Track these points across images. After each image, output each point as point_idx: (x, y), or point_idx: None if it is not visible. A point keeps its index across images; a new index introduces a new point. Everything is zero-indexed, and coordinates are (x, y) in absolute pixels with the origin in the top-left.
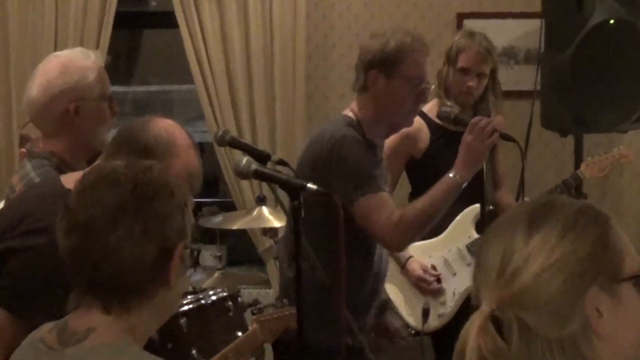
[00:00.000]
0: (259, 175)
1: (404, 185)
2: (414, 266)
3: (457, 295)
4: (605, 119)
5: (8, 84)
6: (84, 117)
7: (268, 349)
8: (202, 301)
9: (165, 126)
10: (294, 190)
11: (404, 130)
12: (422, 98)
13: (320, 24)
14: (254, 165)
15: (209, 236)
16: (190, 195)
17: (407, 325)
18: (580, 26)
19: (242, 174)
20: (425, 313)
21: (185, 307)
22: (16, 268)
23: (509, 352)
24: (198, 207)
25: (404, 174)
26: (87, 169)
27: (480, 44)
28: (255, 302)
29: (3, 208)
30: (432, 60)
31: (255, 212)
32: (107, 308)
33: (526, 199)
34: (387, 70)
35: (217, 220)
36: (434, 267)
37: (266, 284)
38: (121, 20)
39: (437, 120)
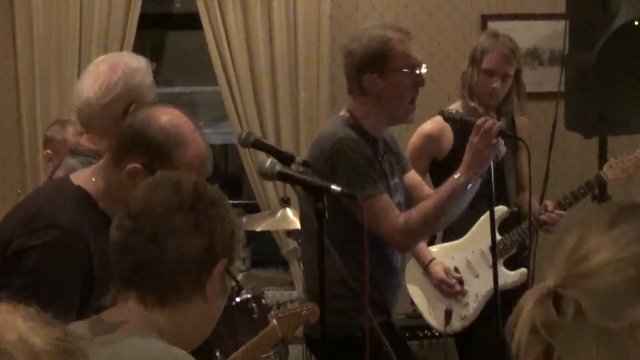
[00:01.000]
0: (283, 177)
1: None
2: (437, 269)
3: (480, 297)
4: (630, 120)
5: (33, 86)
6: None
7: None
8: (226, 302)
9: (167, 118)
10: (318, 192)
11: (428, 132)
12: (420, 83)
13: (344, 25)
14: (278, 167)
15: None
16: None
17: (430, 327)
18: (605, 27)
19: (266, 175)
20: (448, 315)
21: None
22: (31, 266)
23: (561, 327)
24: None
25: (427, 176)
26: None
27: (504, 46)
28: (279, 304)
29: (16, 207)
30: (456, 61)
31: (279, 214)
32: (142, 300)
33: (548, 200)
34: (380, 70)
35: (241, 222)
36: (456, 269)
37: (290, 285)
38: (145, 21)
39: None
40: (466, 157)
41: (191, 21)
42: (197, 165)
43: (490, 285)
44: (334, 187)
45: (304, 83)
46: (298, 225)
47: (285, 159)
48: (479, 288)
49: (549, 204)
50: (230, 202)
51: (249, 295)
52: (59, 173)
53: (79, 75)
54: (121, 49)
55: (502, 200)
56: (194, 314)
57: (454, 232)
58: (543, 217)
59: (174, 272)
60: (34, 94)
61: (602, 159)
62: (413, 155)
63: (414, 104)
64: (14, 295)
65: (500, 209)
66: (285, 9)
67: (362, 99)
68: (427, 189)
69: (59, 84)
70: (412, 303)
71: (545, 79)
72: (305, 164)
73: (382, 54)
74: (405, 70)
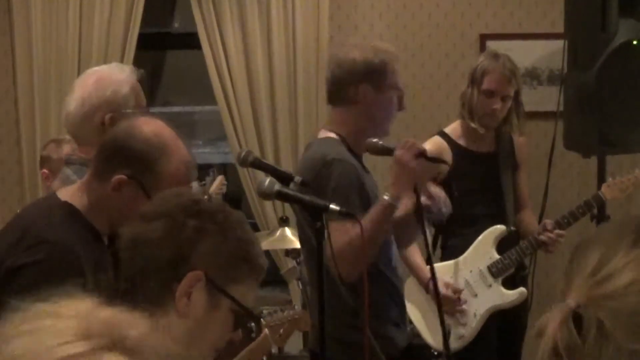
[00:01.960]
0: (282, 196)
1: None
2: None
3: (478, 316)
4: (628, 140)
5: (32, 106)
6: None
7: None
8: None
9: (149, 128)
10: (317, 212)
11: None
12: (402, 102)
13: None
14: (277, 186)
15: None
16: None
17: (429, 346)
18: (603, 47)
19: (265, 194)
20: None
21: None
22: (25, 284)
23: (583, 349)
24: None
25: None
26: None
27: (504, 67)
28: (270, 313)
29: (5, 226)
30: (455, 80)
31: (278, 233)
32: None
33: (547, 220)
34: (375, 83)
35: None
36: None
37: (289, 304)
38: (144, 41)
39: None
40: (392, 174)
41: (190, 41)
42: (182, 172)
43: (488, 304)
44: (332, 206)
45: (303, 102)
46: (297, 245)
47: (284, 178)
48: (477, 307)
49: (548, 223)
50: None
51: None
52: (56, 183)
53: None
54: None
55: (501, 219)
56: (177, 329)
57: (452, 251)
58: (542, 237)
59: (142, 277)
60: (33, 114)
61: (601, 178)
62: None
63: (390, 121)
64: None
65: (499, 229)
66: (284, 29)
67: (346, 110)
68: None
69: (58, 103)
70: (411, 322)
71: (544, 98)
72: (303, 183)
73: (381, 69)
74: (396, 88)
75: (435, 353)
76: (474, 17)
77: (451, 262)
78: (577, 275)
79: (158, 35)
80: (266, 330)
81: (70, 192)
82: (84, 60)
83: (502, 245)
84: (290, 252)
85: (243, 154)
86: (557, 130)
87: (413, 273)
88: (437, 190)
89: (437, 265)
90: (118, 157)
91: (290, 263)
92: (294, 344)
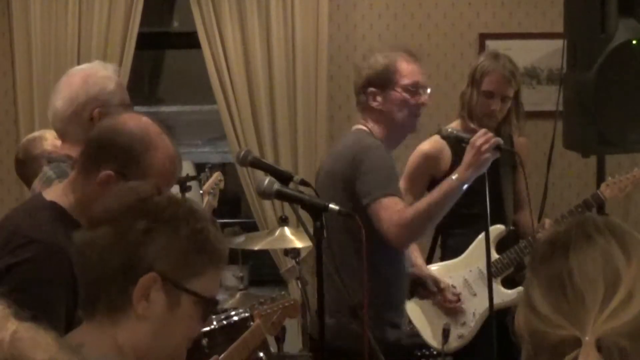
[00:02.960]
0: (281, 196)
1: None
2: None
3: (477, 315)
4: (628, 139)
5: (31, 106)
6: None
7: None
8: (224, 321)
9: (133, 123)
10: (317, 211)
11: (426, 151)
12: (420, 100)
13: (342, 45)
14: (277, 186)
15: (230, 256)
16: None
17: (428, 346)
18: (603, 46)
19: (264, 194)
20: (446, 333)
21: (207, 327)
22: (15, 284)
23: None
24: (220, 228)
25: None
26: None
27: (504, 67)
28: (260, 301)
29: None
30: (454, 80)
31: (277, 233)
32: (86, 317)
33: (546, 219)
34: (382, 85)
35: (239, 241)
36: (453, 287)
37: None
38: (144, 40)
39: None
40: (466, 157)
41: (189, 40)
42: (168, 167)
43: (487, 304)
44: (332, 205)
45: (302, 102)
46: (296, 244)
47: (284, 177)
48: (476, 307)
49: (547, 223)
50: (229, 220)
51: (247, 315)
52: (36, 182)
53: None
54: (120, 68)
55: (500, 219)
56: (141, 331)
57: (452, 251)
58: (540, 236)
59: (96, 284)
60: (32, 114)
61: (600, 178)
62: (412, 175)
63: (414, 118)
64: None
65: (498, 228)
66: (284, 28)
67: (368, 116)
68: None
69: None
70: (410, 322)
71: (543, 98)
72: (303, 182)
73: (386, 72)
74: (405, 86)
75: (435, 353)
76: (473, 16)
77: (450, 262)
78: (585, 306)
79: (157, 34)
80: (258, 321)
81: (56, 192)
82: (83, 60)
83: (501, 244)
84: (290, 252)
85: (242, 153)
86: (556, 129)
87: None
88: None
89: (437, 265)
90: (103, 152)
91: (290, 262)
92: (294, 344)
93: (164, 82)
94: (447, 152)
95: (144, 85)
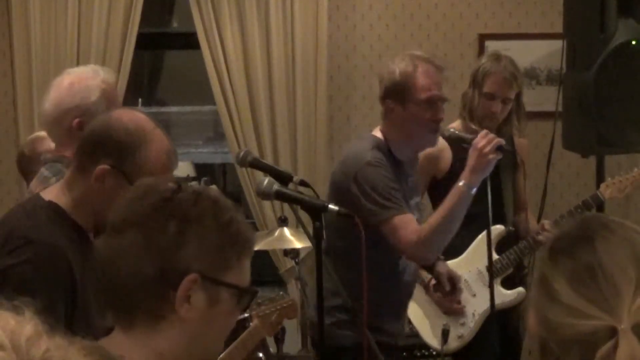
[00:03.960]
0: (280, 196)
1: (426, 205)
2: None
3: (477, 316)
4: (627, 139)
5: (30, 106)
6: None
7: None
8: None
9: (128, 118)
10: (316, 211)
11: (427, 151)
12: (438, 115)
13: (342, 45)
14: (276, 186)
15: None
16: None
17: (427, 346)
18: (602, 47)
19: (263, 194)
20: (445, 334)
21: None
22: (15, 285)
23: None
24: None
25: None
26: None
27: (506, 70)
28: (258, 302)
29: None
30: (454, 81)
31: (276, 233)
32: (122, 328)
33: (546, 220)
34: (400, 99)
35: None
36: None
37: None
38: (143, 41)
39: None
40: (469, 161)
41: (189, 41)
42: (163, 160)
43: (487, 304)
44: (331, 206)
45: (302, 102)
46: (295, 245)
47: (283, 178)
48: (476, 307)
49: (547, 223)
50: None
51: (245, 315)
52: (34, 182)
53: None
54: (119, 68)
55: (500, 219)
56: (188, 332)
57: (451, 251)
58: (540, 237)
59: (129, 296)
60: (31, 114)
61: (600, 178)
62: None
63: (433, 134)
64: None
65: (498, 228)
66: (283, 28)
67: (386, 124)
68: None
69: None
70: (409, 322)
71: (542, 98)
72: (302, 183)
73: (403, 85)
74: (423, 102)
75: (434, 353)
76: (473, 17)
77: (450, 262)
78: (619, 293)
79: (157, 35)
80: (256, 321)
81: (54, 192)
82: (83, 60)
83: (501, 245)
84: (289, 252)
85: (242, 153)
86: (555, 130)
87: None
88: None
89: None
90: (99, 148)
91: (289, 263)
92: (293, 344)
93: (164, 83)
94: (448, 152)
95: (143, 85)
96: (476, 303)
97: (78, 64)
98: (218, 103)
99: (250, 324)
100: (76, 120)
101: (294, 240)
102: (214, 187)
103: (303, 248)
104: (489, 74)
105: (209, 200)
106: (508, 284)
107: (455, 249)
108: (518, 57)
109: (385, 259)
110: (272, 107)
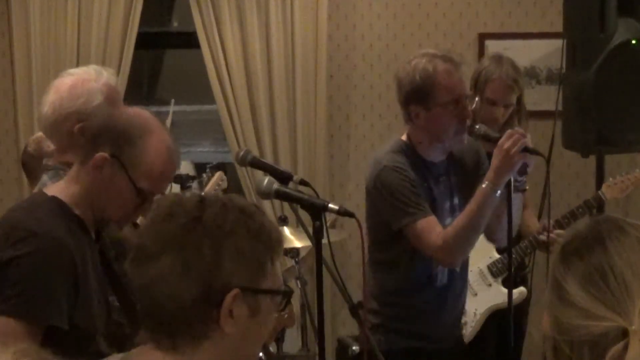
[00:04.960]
0: (280, 196)
1: None
2: None
3: (479, 315)
4: (627, 139)
5: (30, 106)
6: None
7: None
8: None
9: (132, 111)
10: (316, 211)
11: None
12: (465, 114)
13: (342, 45)
14: (276, 185)
15: None
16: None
17: None
18: (602, 46)
19: (263, 194)
20: None
21: None
22: (18, 277)
23: None
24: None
25: None
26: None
27: (507, 75)
28: None
29: None
30: None
31: None
32: (161, 347)
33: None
34: (424, 103)
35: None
36: None
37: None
38: (143, 40)
39: None
40: (494, 162)
41: (189, 40)
42: (164, 157)
43: (488, 303)
44: (331, 205)
45: (302, 101)
46: (295, 244)
47: (283, 177)
48: (477, 306)
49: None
50: None
51: None
52: (35, 190)
53: None
54: (119, 68)
55: None
56: (228, 346)
57: None
58: (542, 236)
59: (172, 318)
60: (31, 114)
61: (600, 177)
62: None
63: (462, 134)
64: (4, 306)
65: None
66: (283, 28)
67: (412, 128)
68: None
69: None
70: None
71: (542, 97)
72: (302, 182)
73: (426, 89)
74: (448, 104)
75: None
76: (473, 16)
77: None
78: (629, 295)
79: (157, 34)
80: None
81: (57, 187)
82: (83, 59)
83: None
84: (289, 252)
85: (242, 153)
86: (555, 129)
87: None
88: None
89: None
90: (100, 137)
91: (289, 262)
92: (293, 344)
93: (163, 82)
94: None
95: (143, 85)
96: (477, 302)
97: (78, 63)
98: (218, 102)
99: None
100: (78, 125)
101: (294, 239)
102: (220, 173)
103: (303, 247)
104: (490, 80)
105: (236, 210)
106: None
107: None
108: (518, 57)
109: (417, 264)
110: (272, 107)
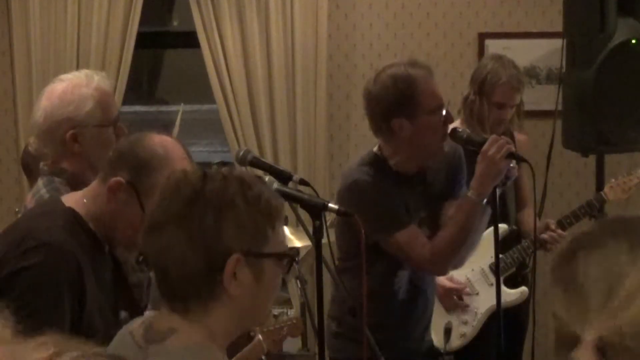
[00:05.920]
0: (280, 195)
1: None
2: (442, 280)
3: (480, 314)
4: (627, 138)
5: (30, 106)
6: (84, 144)
7: None
8: None
9: (160, 141)
10: (316, 210)
11: None
12: (450, 119)
13: (342, 44)
14: (276, 185)
15: None
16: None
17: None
18: (602, 45)
19: None
20: (448, 332)
21: None
22: (25, 287)
23: None
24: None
25: None
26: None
27: (513, 78)
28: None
29: (7, 229)
30: (453, 79)
31: None
32: (175, 310)
33: (549, 220)
34: (408, 114)
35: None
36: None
37: (287, 303)
38: (143, 40)
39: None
40: (478, 169)
41: (189, 40)
42: None
43: (489, 303)
44: (331, 205)
45: (302, 101)
46: (295, 243)
47: (283, 177)
48: (478, 306)
49: (551, 222)
50: None
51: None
52: (29, 197)
53: None
54: (118, 68)
55: (503, 218)
56: (237, 307)
57: None
58: (544, 235)
59: (182, 284)
60: (31, 114)
61: (600, 177)
62: None
63: (443, 143)
64: (11, 315)
65: (500, 227)
66: (283, 27)
67: (391, 143)
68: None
69: None
70: None
71: (542, 97)
72: (302, 182)
73: (409, 98)
74: (433, 111)
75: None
76: (473, 16)
77: None
78: (588, 303)
79: (157, 34)
80: (259, 336)
81: (75, 198)
82: (83, 59)
83: (504, 244)
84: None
85: (241, 152)
86: (555, 129)
87: None
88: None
89: None
90: (121, 161)
91: None
92: (294, 344)
93: (163, 82)
94: None
95: (143, 84)
96: (479, 302)
97: (78, 63)
98: (218, 102)
99: (252, 333)
100: (69, 132)
101: (293, 239)
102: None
103: (303, 247)
104: (499, 84)
105: (236, 182)
106: (511, 283)
107: None
108: (518, 56)
109: (383, 275)
110: (272, 106)
